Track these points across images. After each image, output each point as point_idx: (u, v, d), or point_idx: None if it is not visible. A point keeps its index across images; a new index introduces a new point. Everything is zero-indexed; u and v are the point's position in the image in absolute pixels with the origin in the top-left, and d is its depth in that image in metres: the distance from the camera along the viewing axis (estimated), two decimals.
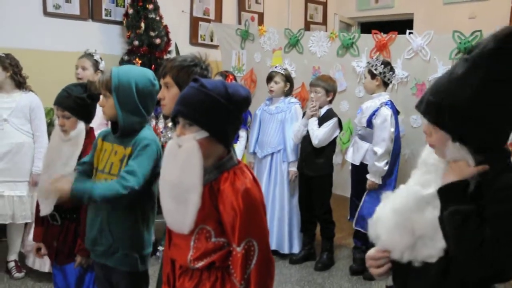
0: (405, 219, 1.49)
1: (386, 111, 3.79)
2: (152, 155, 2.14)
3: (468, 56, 1.42)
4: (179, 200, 1.58)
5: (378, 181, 3.83)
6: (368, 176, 3.86)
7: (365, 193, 3.92)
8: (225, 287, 1.60)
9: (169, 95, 2.05)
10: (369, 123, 3.87)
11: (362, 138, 3.97)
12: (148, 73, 2.27)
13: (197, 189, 1.55)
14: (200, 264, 1.60)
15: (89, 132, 2.53)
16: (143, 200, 2.21)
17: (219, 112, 1.56)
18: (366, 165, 3.90)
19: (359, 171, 3.98)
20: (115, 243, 2.20)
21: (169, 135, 2.08)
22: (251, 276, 1.54)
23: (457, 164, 1.43)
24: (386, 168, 3.80)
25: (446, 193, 1.41)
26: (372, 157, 3.86)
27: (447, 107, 1.40)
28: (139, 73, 2.24)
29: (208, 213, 1.58)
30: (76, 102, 2.43)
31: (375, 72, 3.88)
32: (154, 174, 2.16)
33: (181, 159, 1.57)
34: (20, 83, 3.69)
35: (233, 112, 1.59)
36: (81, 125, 2.46)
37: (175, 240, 1.69)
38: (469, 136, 1.42)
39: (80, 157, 2.43)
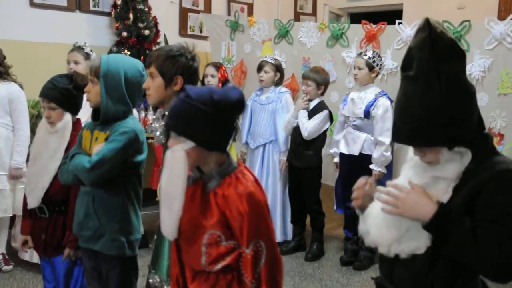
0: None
1: (386, 102, 3.82)
2: (126, 142, 2.14)
3: (411, 73, 1.44)
4: (168, 207, 1.62)
5: (385, 170, 3.86)
6: (373, 167, 3.84)
7: None
8: (241, 285, 1.63)
9: (153, 85, 2.01)
10: (367, 114, 3.86)
11: (358, 128, 3.95)
12: (138, 63, 2.27)
13: (180, 198, 1.58)
14: (216, 268, 1.62)
15: (76, 123, 2.51)
16: (128, 184, 2.23)
17: (203, 121, 1.55)
18: (365, 155, 3.90)
19: (357, 161, 3.95)
20: (101, 226, 2.20)
21: (156, 125, 2.05)
22: (261, 274, 1.59)
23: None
24: (391, 157, 3.84)
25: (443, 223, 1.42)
26: (370, 147, 3.88)
27: (430, 125, 1.41)
28: (128, 62, 2.25)
29: (216, 219, 1.60)
30: (62, 93, 2.40)
31: (373, 64, 3.87)
32: (132, 161, 2.20)
33: (170, 169, 1.60)
34: (0, 73, 3.59)
35: (219, 118, 1.56)
36: (68, 117, 2.44)
37: (184, 247, 1.70)
38: (461, 137, 1.43)
39: (67, 149, 2.41)
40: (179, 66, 1.99)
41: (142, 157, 2.27)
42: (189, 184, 1.64)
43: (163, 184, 1.62)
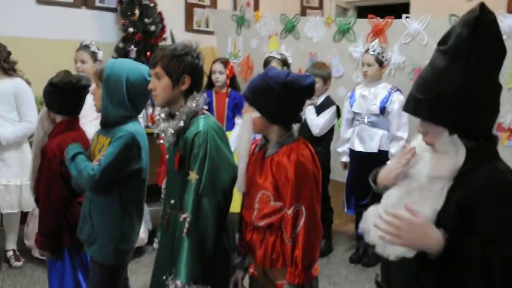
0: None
1: (400, 96, 3.78)
2: (122, 146, 2.13)
3: (444, 47, 1.42)
4: (238, 164, 1.95)
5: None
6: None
7: None
8: (283, 244, 1.87)
9: (160, 86, 1.99)
10: (383, 110, 3.82)
11: (374, 125, 3.88)
12: (143, 69, 2.25)
13: (245, 156, 1.90)
14: (262, 223, 1.89)
15: (64, 124, 2.48)
16: (123, 192, 2.21)
17: (270, 97, 1.83)
18: (383, 151, 3.83)
19: (374, 158, 3.82)
20: (94, 232, 2.22)
21: (166, 125, 2.06)
22: (298, 235, 1.83)
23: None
24: None
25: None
26: (387, 143, 3.84)
27: (439, 101, 1.40)
28: (133, 67, 2.23)
29: (269, 181, 1.87)
30: (46, 87, 2.47)
31: (382, 59, 3.83)
32: (129, 170, 2.18)
33: (239, 131, 1.99)
34: (4, 70, 3.56)
35: (285, 98, 1.83)
36: (42, 111, 2.54)
37: (245, 202, 2.00)
38: (464, 126, 1.41)
39: (46, 146, 2.43)
40: (186, 65, 1.98)
41: (141, 164, 2.23)
42: (256, 150, 1.97)
43: (236, 145, 1.98)
